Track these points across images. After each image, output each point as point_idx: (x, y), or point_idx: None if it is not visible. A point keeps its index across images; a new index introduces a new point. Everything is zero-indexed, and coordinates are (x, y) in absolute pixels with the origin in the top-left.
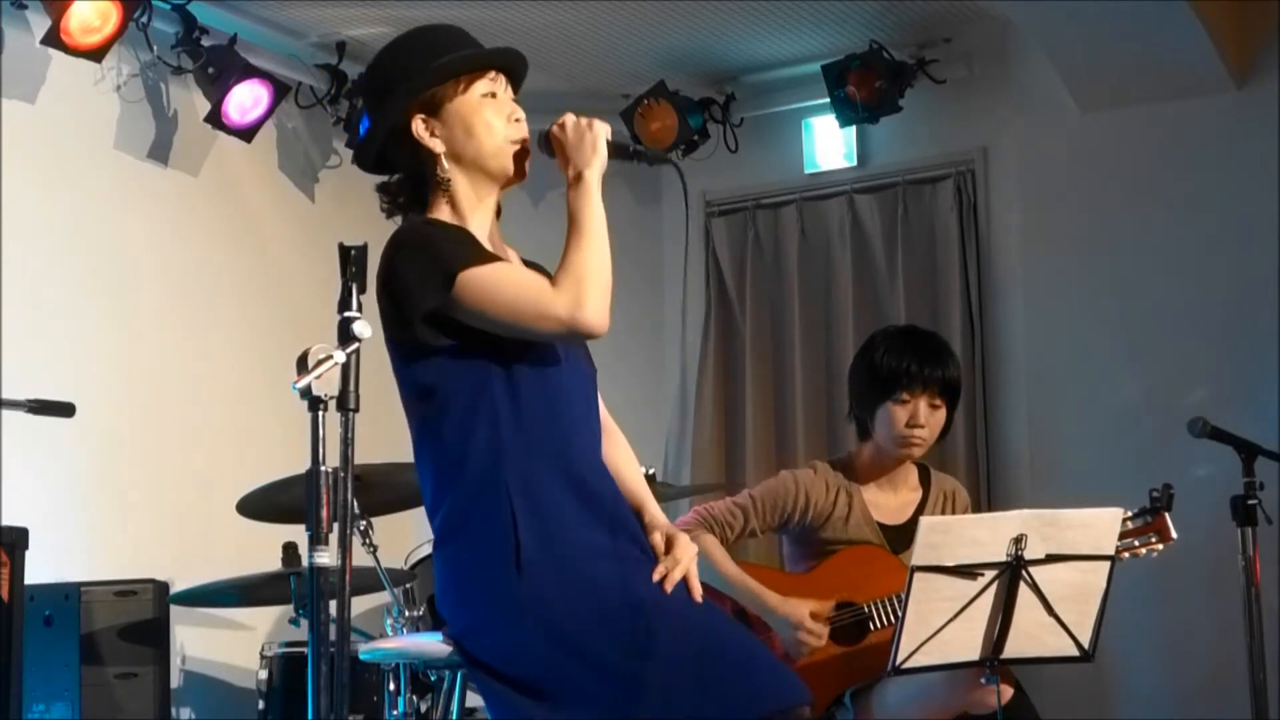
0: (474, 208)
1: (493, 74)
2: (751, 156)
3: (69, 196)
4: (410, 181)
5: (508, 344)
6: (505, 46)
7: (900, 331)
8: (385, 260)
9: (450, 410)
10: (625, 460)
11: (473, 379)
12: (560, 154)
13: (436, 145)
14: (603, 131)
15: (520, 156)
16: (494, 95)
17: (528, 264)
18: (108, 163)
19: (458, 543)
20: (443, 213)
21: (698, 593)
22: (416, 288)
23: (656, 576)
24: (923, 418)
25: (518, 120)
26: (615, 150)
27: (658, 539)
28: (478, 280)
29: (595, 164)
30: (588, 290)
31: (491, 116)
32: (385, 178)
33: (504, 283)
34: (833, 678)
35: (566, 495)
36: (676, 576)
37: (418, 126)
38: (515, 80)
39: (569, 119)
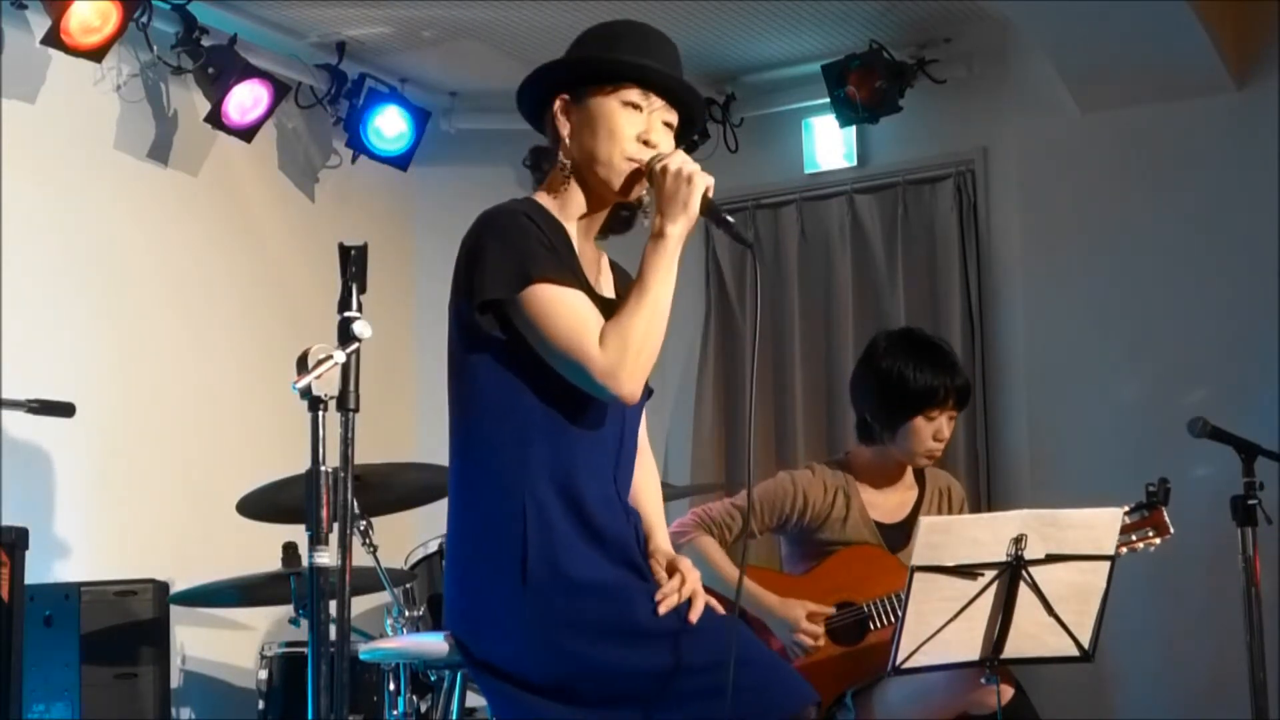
0: (575, 209)
1: (645, 91)
2: (751, 156)
3: (69, 196)
4: (546, 151)
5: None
6: (673, 75)
7: (913, 343)
8: (474, 234)
9: (486, 407)
10: (648, 484)
11: (514, 385)
12: (656, 195)
13: (564, 129)
14: (700, 186)
15: (633, 177)
16: (638, 108)
17: (616, 269)
18: (108, 163)
19: (468, 546)
20: (549, 198)
21: (696, 616)
22: (491, 275)
23: (658, 597)
24: (946, 431)
25: (646, 143)
26: (707, 210)
27: (656, 566)
28: (547, 297)
29: (682, 223)
30: (630, 359)
31: (623, 125)
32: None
33: (563, 313)
34: (833, 678)
35: (575, 524)
36: (673, 602)
37: (558, 104)
38: (685, 115)
39: (672, 164)
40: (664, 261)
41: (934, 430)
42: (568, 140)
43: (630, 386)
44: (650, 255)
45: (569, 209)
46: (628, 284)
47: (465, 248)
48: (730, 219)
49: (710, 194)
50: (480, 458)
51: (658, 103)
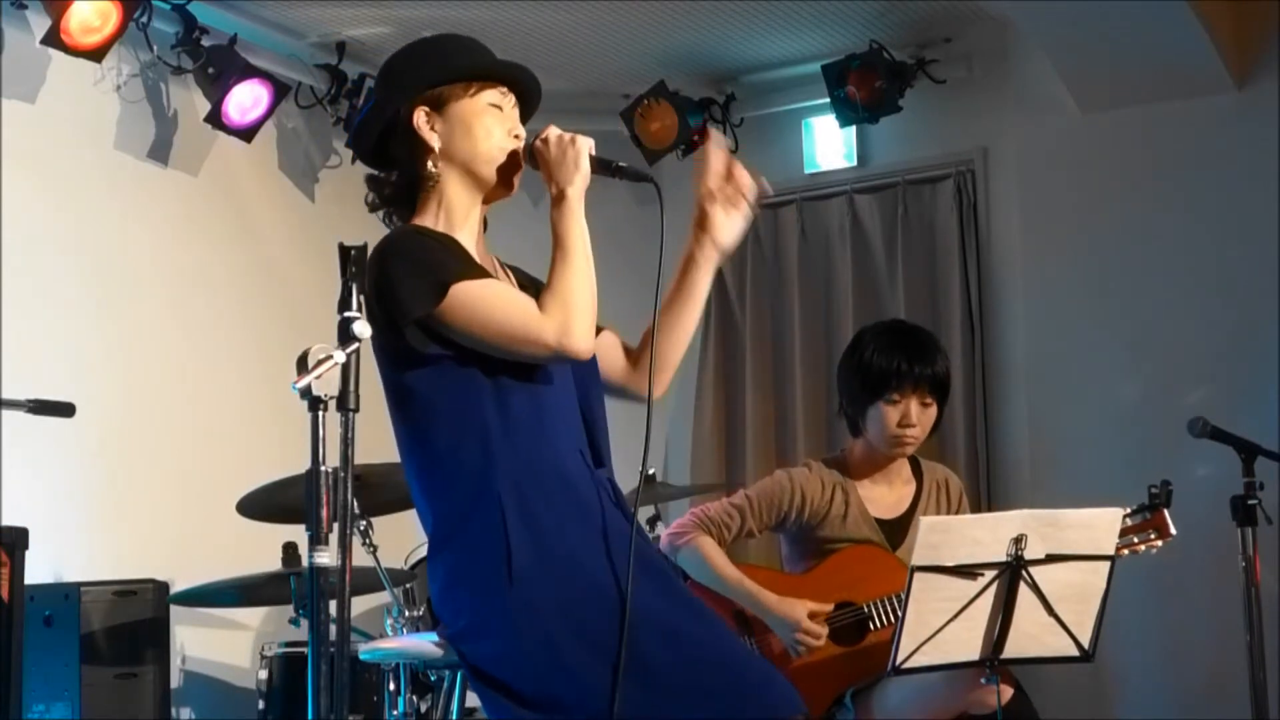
0: (462, 214)
1: (503, 89)
2: (751, 156)
3: (69, 196)
4: (403, 178)
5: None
6: (522, 65)
7: (888, 328)
8: (376, 264)
9: (438, 418)
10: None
11: (460, 388)
12: (544, 168)
13: (433, 139)
14: (585, 147)
15: (510, 169)
16: (500, 108)
17: (512, 269)
18: (108, 163)
19: (450, 550)
20: (430, 216)
21: (754, 185)
22: (408, 295)
23: None
24: (914, 417)
25: (516, 136)
26: (598, 166)
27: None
28: (468, 295)
29: (577, 181)
30: (574, 316)
31: (492, 124)
32: (377, 172)
33: (493, 302)
34: (833, 678)
35: (558, 504)
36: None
37: (419, 118)
38: (526, 105)
39: (551, 134)
40: (574, 219)
41: (900, 416)
42: (438, 149)
43: (584, 343)
44: (559, 219)
45: (451, 220)
46: (529, 279)
47: (372, 283)
48: (624, 164)
49: (594, 151)
50: (446, 467)
51: (512, 99)
